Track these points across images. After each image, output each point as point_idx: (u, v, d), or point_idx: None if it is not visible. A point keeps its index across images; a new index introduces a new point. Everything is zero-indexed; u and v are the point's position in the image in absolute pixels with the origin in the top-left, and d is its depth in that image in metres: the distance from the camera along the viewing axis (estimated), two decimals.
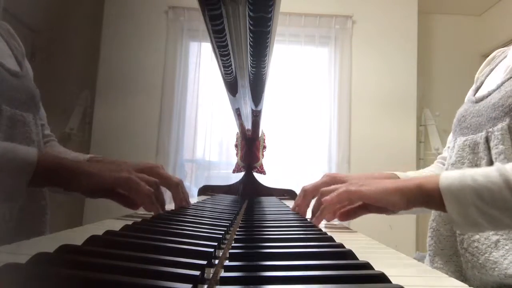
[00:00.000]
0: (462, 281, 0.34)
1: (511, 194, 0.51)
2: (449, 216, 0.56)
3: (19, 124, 0.72)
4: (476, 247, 0.68)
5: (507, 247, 0.64)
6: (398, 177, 0.88)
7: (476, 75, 0.90)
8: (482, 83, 0.84)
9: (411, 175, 0.91)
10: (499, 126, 0.67)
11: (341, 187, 0.68)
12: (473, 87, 0.86)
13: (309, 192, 0.83)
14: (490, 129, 0.69)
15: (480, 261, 0.67)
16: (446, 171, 0.60)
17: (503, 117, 0.67)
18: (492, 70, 0.84)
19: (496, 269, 0.63)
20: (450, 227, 0.77)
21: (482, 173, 0.55)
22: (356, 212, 0.71)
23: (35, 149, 0.60)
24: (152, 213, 0.67)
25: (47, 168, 0.60)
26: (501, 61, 0.82)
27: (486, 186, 0.53)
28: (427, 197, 0.59)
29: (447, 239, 0.77)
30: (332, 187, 0.70)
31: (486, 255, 0.66)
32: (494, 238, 0.65)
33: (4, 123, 0.68)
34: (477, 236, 0.68)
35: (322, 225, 0.75)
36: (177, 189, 0.79)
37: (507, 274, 0.62)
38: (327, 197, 0.68)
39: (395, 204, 0.62)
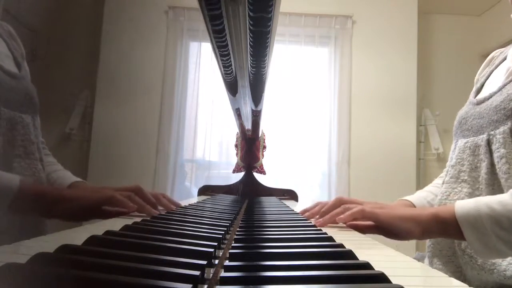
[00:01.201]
0: (462, 281, 0.34)
1: None
2: (469, 245, 0.57)
3: (18, 126, 0.72)
4: None
5: None
6: (411, 203, 0.89)
7: (476, 77, 0.90)
8: (482, 84, 0.84)
9: (420, 194, 0.92)
10: (501, 129, 0.67)
11: (357, 206, 0.68)
12: (474, 89, 0.86)
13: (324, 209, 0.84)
14: (492, 132, 0.69)
15: (479, 263, 0.67)
16: (460, 200, 0.60)
17: (505, 121, 0.67)
18: (492, 71, 0.83)
19: (495, 270, 0.63)
20: None
21: (497, 201, 0.56)
22: (365, 229, 0.70)
23: (17, 177, 0.60)
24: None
25: (29, 196, 0.60)
26: (500, 62, 0.82)
27: (504, 214, 0.54)
28: (443, 226, 0.59)
29: (444, 241, 0.77)
30: (349, 205, 0.70)
31: None
32: None
33: (3, 125, 0.68)
34: None
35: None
36: (160, 201, 0.80)
37: (506, 275, 0.62)
38: (341, 216, 0.68)
39: (409, 232, 0.62)
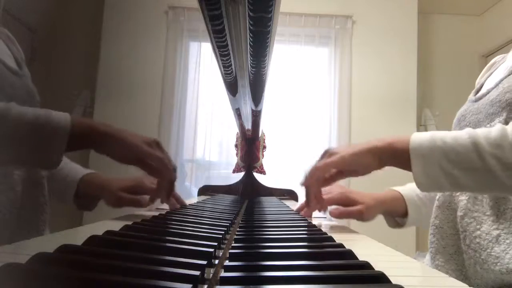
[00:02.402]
0: (462, 279, 0.35)
1: (477, 157, 0.55)
2: (413, 175, 0.59)
3: None
4: (478, 242, 0.68)
5: (508, 241, 0.64)
6: (400, 193, 0.90)
7: (477, 80, 0.90)
8: (482, 85, 0.85)
9: (410, 186, 0.93)
10: (496, 121, 0.68)
11: (317, 163, 0.70)
12: (474, 90, 0.87)
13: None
14: (488, 125, 0.70)
15: (483, 257, 0.67)
16: (419, 133, 0.63)
17: (500, 112, 0.68)
18: (492, 73, 0.84)
19: (498, 264, 0.64)
20: (454, 224, 0.77)
21: (452, 136, 0.58)
22: (333, 178, 0.73)
23: (68, 114, 0.62)
24: (161, 204, 0.70)
25: (81, 131, 0.62)
26: (501, 64, 0.83)
27: (454, 147, 0.56)
28: (396, 155, 0.62)
29: (450, 237, 0.77)
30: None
31: (488, 250, 0.66)
32: (495, 233, 0.66)
33: None
34: (478, 232, 0.68)
35: (322, 225, 0.75)
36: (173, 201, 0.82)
37: (508, 268, 0.62)
38: (307, 178, 0.70)
39: (368, 165, 0.64)
